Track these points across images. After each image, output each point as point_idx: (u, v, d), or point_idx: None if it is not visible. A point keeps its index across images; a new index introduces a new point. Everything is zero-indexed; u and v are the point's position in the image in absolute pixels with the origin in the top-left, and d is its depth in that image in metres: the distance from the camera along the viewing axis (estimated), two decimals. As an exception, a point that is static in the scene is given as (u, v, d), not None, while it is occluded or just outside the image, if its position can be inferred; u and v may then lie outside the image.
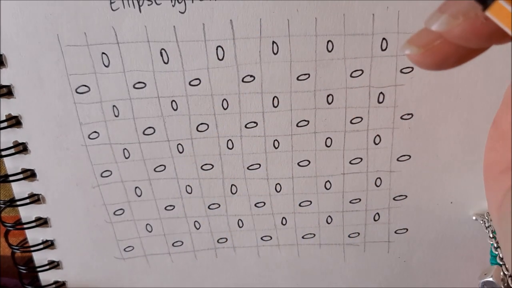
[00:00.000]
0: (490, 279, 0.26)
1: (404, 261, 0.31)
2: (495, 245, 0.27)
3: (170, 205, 0.30)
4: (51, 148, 0.28)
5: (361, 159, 0.28)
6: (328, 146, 0.27)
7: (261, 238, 0.31)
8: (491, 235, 0.27)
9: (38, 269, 0.32)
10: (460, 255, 0.30)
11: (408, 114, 0.26)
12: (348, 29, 0.24)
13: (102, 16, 0.25)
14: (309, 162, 0.28)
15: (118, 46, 0.25)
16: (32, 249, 0.32)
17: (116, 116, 0.27)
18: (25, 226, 0.31)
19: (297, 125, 0.27)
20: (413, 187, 0.28)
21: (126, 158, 0.28)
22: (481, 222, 0.28)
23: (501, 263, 0.27)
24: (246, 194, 0.29)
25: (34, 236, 0.32)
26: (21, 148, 0.28)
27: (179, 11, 0.24)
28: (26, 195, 0.30)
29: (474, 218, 0.28)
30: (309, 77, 0.26)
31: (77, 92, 0.27)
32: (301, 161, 0.28)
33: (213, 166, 0.28)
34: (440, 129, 0.26)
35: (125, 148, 0.28)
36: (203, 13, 0.24)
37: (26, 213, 0.31)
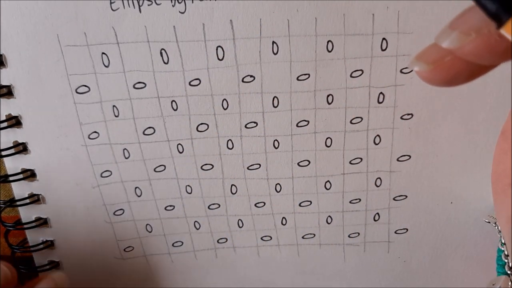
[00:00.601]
0: None
1: (404, 261, 0.31)
2: (506, 252, 0.27)
3: (170, 205, 0.30)
4: (51, 148, 0.28)
5: (361, 159, 0.28)
6: (328, 146, 0.27)
7: (261, 238, 0.31)
8: (503, 241, 0.27)
9: (38, 269, 0.32)
10: (460, 255, 0.30)
11: (408, 114, 0.26)
12: (348, 29, 0.24)
13: (102, 16, 0.25)
14: (309, 162, 0.28)
15: (118, 46, 0.25)
16: (32, 249, 0.32)
17: (116, 116, 0.27)
18: (25, 226, 0.31)
19: (297, 125, 0.27)
20: (413, 187, 0.28)
21: (126, 158, 0.28)
22: (493, 225, 0.27)
23: (509, 272, 0.27)
24: (246, 194, 0.29)
25: (34, 236, 0.32)
26: (21, 148, 0.28)
27: (179, 11, 0.24)
28: (26, 195, 0.30)
29: (486, 220, 0.28)
30: (309, 77, 0.26)
31: (77, 92, 0.27)
32: (301, 161, 0.28)
33: (213, 166, 0.28)
34: (440, 129, 0.26)
35: (125, 148, 0.28)
36: (203, 13, 0.24)
37: (26, 213, 0.31)
